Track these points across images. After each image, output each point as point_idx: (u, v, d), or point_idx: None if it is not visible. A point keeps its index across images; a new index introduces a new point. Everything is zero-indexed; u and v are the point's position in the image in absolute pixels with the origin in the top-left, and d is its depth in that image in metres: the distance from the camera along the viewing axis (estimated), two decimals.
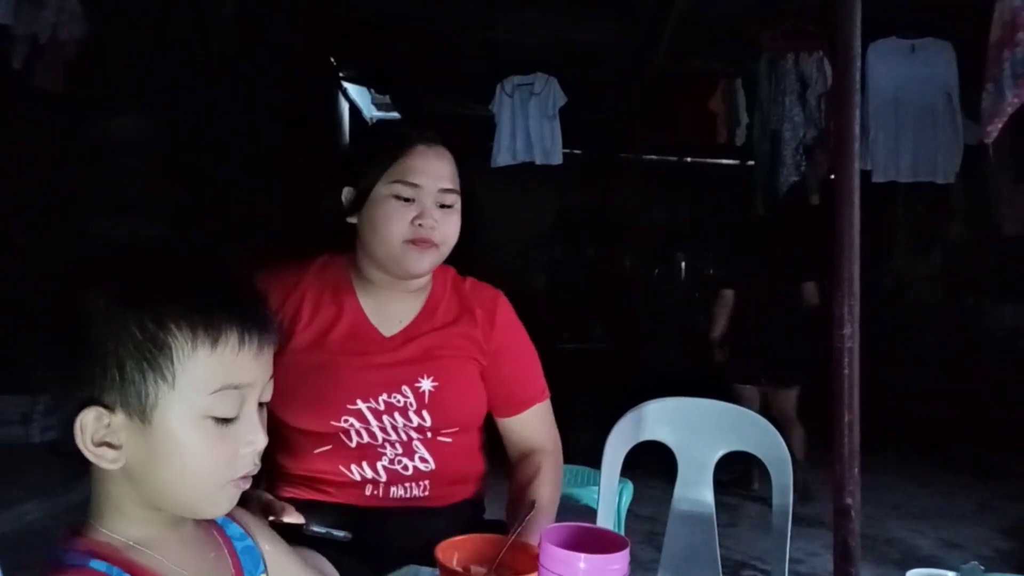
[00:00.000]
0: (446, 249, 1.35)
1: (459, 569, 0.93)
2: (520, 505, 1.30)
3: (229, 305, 0.73)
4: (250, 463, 0.75)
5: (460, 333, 1.38)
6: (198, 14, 4.39)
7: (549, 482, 1.37)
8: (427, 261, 1.32)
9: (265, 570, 0.85)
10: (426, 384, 1.33)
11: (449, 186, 1.32)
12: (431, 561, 0.95)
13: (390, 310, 1.38)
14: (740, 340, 4.20)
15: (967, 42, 3.72)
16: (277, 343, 0.78)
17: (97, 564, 0.69)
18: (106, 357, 0.69)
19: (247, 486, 0.77)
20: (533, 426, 1.43)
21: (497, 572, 0.95)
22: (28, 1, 3.14)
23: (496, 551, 0.97)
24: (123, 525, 0.73)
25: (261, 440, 0.76)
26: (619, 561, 0.84)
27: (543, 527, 1.26)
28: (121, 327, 0.69)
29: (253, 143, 4.92)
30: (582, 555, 0.83)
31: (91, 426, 0.70)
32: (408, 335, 1.37)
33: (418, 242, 1.29)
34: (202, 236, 4.20)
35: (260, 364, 0.75)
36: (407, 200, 1.29)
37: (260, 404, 0.78)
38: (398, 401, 1.32)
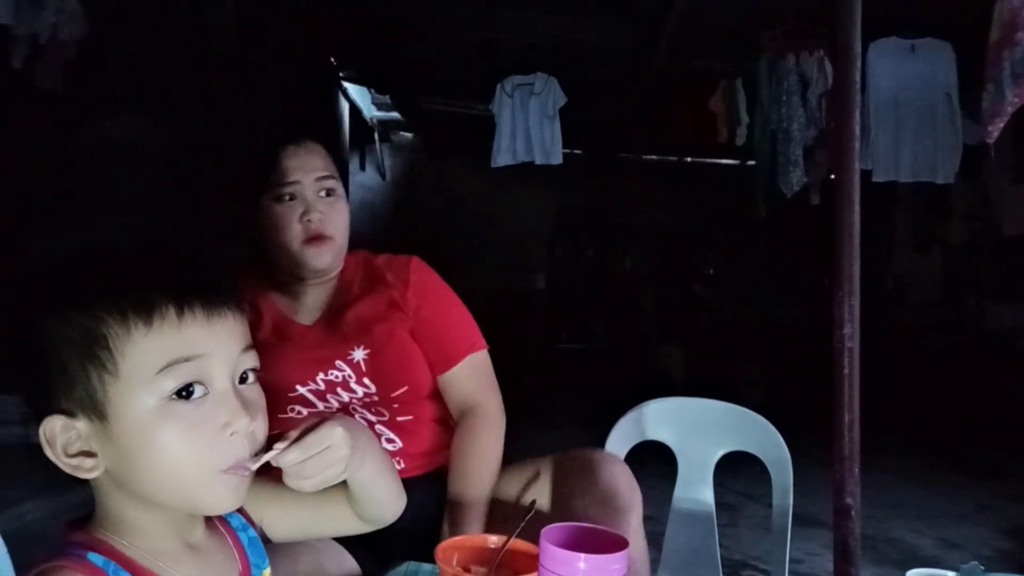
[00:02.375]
0: (341, 239, 1.39)
1: (459, 569, 0.93)
2: (457, 471, 1.35)
3: (160, 279, 0.69)
4: (238, 448, 0.71)
5: (377, 300, 1.41)
6: (198, 14, 4.38)
7: (489, 446, 1.38)
8: (327, 255, 1.37)
9: (268, 564, 0.84)
10: (359, 354, 1.34)
11: (326, 173, 1.37)
12: (424, 542, 0.96)
13: (305, 302, 1.43)
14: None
15: (967, 42, 3.72)
16: (240, 311, 0.74)
17: (95, 557, 0.68)
18: (52, 363, 0.68)
19: (247, 475, 0.72)
20: (468, 380, 1.43)
21: (497, 572, 0.95)
22: (28, 1, 3.14)
23: (496, 551, 0.97)
24: (126, 536, 0.71)
25: (242, 423, 0.70)
26: (619, 561, 0.84)
27: (487, 487, 1.33)
28: (58, 331, 0.67)
29: (253, 143, 4.92)
30: (582, 555, 0.83)
31: (60, 436, 0.68)
32: (327, 317, 1.41)
33: (313, 240, 1.34)
34: (202, 236, 4.20)
35: (214, 333, 0.70)
36: (290, 199, 1.35)
37: (243, 380, 0.74)
38: (336, 377, 1.34)
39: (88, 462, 0.69)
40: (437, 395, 1.45)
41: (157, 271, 0.71)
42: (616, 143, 6.93)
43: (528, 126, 5.05)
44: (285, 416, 1.32)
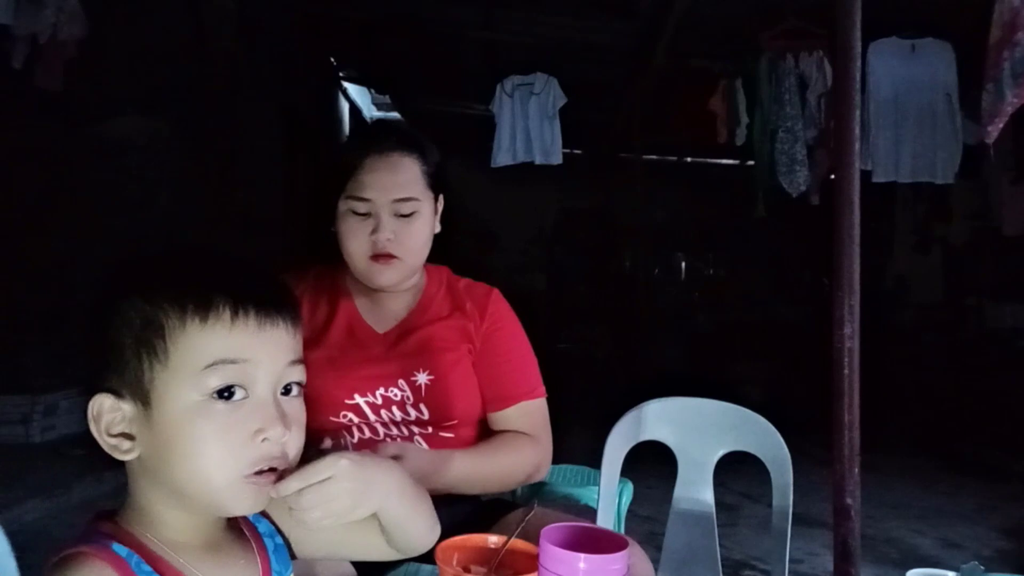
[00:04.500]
0: (412, 259, 1.36)
1: (459, 569, 0.93)
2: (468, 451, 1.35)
3: (222, 279, 0.72)
4: (266, 456, 0.72)
5: (452, 326, 1.40)
6: (198, 14, 4.39)
7: (516, 449, 1.37)
8: (391, 274, 1.34)
9: (292, 573, 0.84)
10: (422, 378, 1.34)
11: (404, 195, 1.32)
12: (430, 557, 0.95)
13: (383, 308, 1.42)
14: None
15: (967, 42, 3.72)
16: (292, 325, 0.75)
17: (119, 548, 0.69)
18: (111, 343, 0.71)
19: (268, 487, 0.72)
20: (518, 423, 1.41)
21: (497, 572, 0.95)
22: (28, 1, 3.14)
23: (496, 551, 0.97)
24: (151, 530, 0.73)
25: (276, 431, 0.72)
26: (619, 561, 0.84)
27: (474, 463, 1.32)
28: (123, 313, 0.71)
29: (253, 143, 4.92)
30: (582, 555, 0.83)
31: (106, 415, 0.71)
32: (402, 330, 1.39)
33: (379, 258, 1.32)
34: (201, 236, 4.21)
35: (263, 341, 0.72)
36: (363, 215, 1.31)
37: (287, 392, 0.75)
38: (395, 395, 1.33)
39: (126, 444, 0.71)
40: (482, 424, 1.44)
41: (220, 274, 0.74)
42: (616, 143, 6.93)
43: (528, 126, 5.05)
44: (337, 419, 1.32)
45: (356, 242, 1.32)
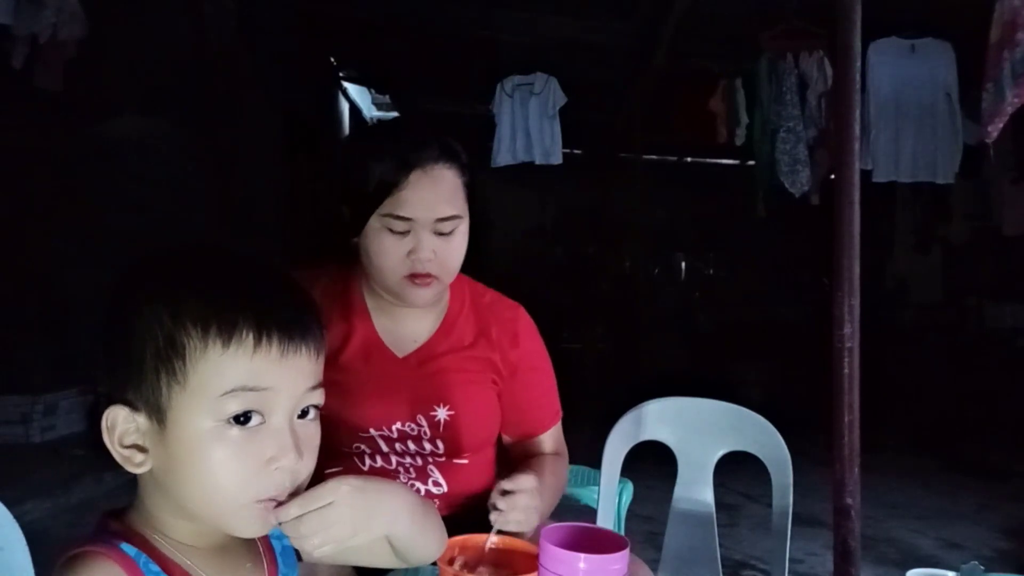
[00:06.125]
0: (449, 278, 1.28)
1: (459, 569, 0.93)
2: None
3: (248, 303, 0.70)
4: (278, 484, 0.71)
5: (477, 356, 1.33)
6: (198, 14, 4.38)
7: (552, 470, 1.35)
8: (428, 294, 1.26)
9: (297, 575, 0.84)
10: (442, 413, 1.28)
11: (448, 213, 1.22)
12: None
13: (404, 329, 1.33)
14: None
15: (967, 42, 3.72)
16: (316, 350, 0.73)
17: (127, 548, 0.69)
18: (130, 354, 0.69)
19: (274, 516, 0.72)
20: (547, 447, 1.40)
21: (497, 572, 0.95)
22: (28, 1, 3.14)
23: (496, 551, 0.97)
24: (158, 531, 0.73)
25: (289, 460, 0.71)
26: (619, 561, 0.84)
27: (545, 500, 1.23)
28: (147, 325, 0.69)
29: (253, 143, 4.93)
30: (582, 555, 0.83)
31: (120, 426, 0.69)
32: (422, 356, 1.32)
33: (416, 277, 1.23)
34: (201, 236, 4.20)
35: (286, 369, 0.70)
36: (401, 233, 1.21)
37: (303, 416, 0.74)
38: (411, 430, 1.28)
39: (139, 456, 0.70)
40: (495, 443, 1.41)
41: (246, 291, 0.72)
42: (616, 143, 6.93)
43: (528, 126, 5.06)
44: (349, 449, 1.28)
45: (392, 260, 1.22)
